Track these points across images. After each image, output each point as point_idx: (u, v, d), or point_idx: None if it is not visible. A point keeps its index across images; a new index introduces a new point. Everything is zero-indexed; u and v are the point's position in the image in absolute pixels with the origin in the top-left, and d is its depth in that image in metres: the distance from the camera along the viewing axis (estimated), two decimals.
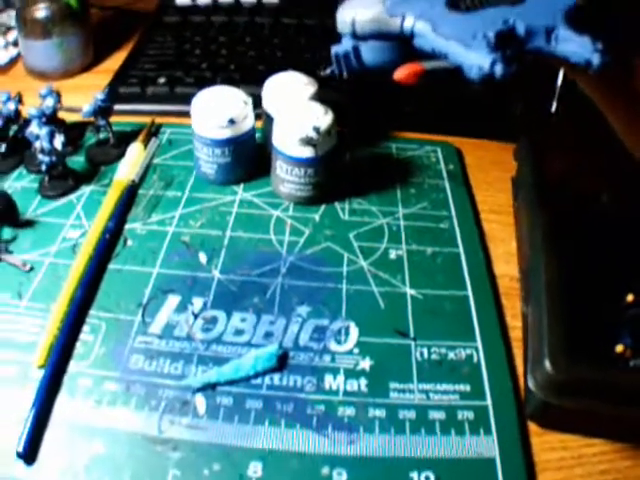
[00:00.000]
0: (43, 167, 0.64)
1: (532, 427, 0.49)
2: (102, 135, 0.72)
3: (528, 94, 0.77)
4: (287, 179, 0.64)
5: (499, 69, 0.31)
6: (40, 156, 0.63)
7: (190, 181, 0.69)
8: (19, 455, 0.44)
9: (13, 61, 0.92)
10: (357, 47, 0.42)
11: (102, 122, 0.71)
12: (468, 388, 0.50)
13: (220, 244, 0.61)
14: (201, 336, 0.53)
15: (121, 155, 0.70)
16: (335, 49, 0.45)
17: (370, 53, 0.42)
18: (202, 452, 0.45)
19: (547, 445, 0.48)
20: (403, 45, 0.38)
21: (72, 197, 0.66)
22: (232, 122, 0.63)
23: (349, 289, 0.57)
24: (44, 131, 0.63)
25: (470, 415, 0.48)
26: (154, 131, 0.76)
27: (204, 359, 0.51)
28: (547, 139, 0.68)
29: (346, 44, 0.43)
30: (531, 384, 0.47)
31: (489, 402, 0.49)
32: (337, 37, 0.45)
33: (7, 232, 0.61)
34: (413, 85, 0.37)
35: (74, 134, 0.74)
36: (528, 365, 0.49)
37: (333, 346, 0.53)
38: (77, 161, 0.71)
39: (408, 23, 0.37)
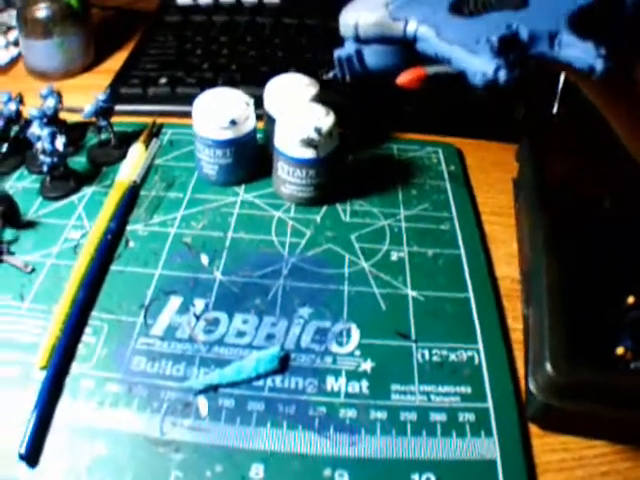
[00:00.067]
0: (44, 168, 0.64)
1: (533, 429, 0.49)
2: (103, 136, 0.72)
3: (530, 97, 0.77)
4: (288, 180, 0.64)
5: (503, 75, 0.31)
6: (41, 157, 0.63)
7: (192, 182, 0.69)
8: (21, 457, 0.44)
9: (14, 61, 0.92)
10: (360, 51, 0.42)
11: (103, 123, 0.71)
12: (469, 390, 0.50)
13: (222, 245, 0.61)
14: (203, 338, 0.53)
15: (123, 156, 0.70)
16: (338, 53, 0.44)
17: (373, 57, 0.42)
18: (204, 454, 0.45)
19: (548, 447, 0.48)
20: (406, 49, 0.38)
21: (74, 198, 0.66)
22: (234, 123, 0.63)
23: (350, 291, 0.57)
24: (45, 132, 0.63)
25: (471, 417, 0.48)
26: (155, 132, 0.76)
27: (206, 361, 0.51)
28: (549, 141, 0.68)
29: (349, 48, 0.43)
30: (532, 386, 0.48)
31: (490, 404, 0.49)
32: (340, 40, 0.45)
33: (9, 233, 0.61)
34: (416, 90, 0.37)
35: (75, 135, 0.74)
36: (529, 367, 0.50)
37: (335, 348, 0.53)
38: (79, 162, 0.71)
39: (411, 27, 0.37)
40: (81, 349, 0.52)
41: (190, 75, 0.84)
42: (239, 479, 0.44)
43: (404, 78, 0.36)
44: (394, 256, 0.61)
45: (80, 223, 0.63)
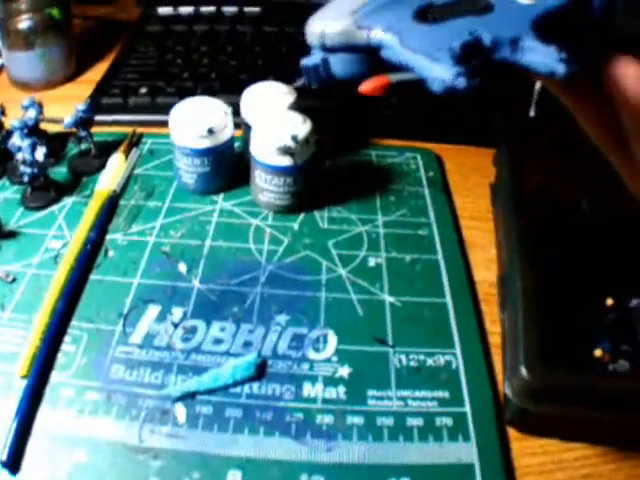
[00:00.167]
0: (25, 178, 0.65)
1: (512, 432, 0.49)
2: (84, 146, 0.72)
3: (508, 101, 0.77)
4: (266, 188, 0.65)
5: (462, 82, 0.31)
6: (22, 167, 0.64)
7: (171, 191, 0.69)
8: (3, 464, 0.45)
9: None
10: (326, 59, 0.42)
11: (83, 133, 0.71)
12: (447, 394, 0.51)
13: (200, 254, 0.62)
14: (181, 346, 0.53)
15: (103, 166, 0.70)
16: (305, 61, 0.45)
17: (340, 65, 0.42)
18: (182, 460, 0.46)
19: (527, 450, 0.48)
20: (373, 57, 0.38)
21: (54, 208, 0.66)
22: (211, 132, 0.64)
23: (328, 297, 0.58)
24: (26, 143, 0.63)
25: (449, 421, 0.49)
26: (135, 141, 0.76)
27: (184, 368, 0.52)
28: (526, 146, 0.69)
29: (316, 56, 0.43)
30: (508, 390, 0.48)
31: (468, 408, 0.50)
32: (307, 49, 0.45)
33: None
34: (380, 97, 0.37)
35: (56, 145, 0.74)
36: (505, 371, 0.50)
37: (311, 354, 0.53)
38: (59, 172, 0.71)
39: (375, 35, 0.37)
40: (61, 358, 0.52)
41: (170, 85, 0.84)
42: None
43: (367, 86, 0.37)
44: (372, 262, 0.61)
45: (61, 233, 0.63)
